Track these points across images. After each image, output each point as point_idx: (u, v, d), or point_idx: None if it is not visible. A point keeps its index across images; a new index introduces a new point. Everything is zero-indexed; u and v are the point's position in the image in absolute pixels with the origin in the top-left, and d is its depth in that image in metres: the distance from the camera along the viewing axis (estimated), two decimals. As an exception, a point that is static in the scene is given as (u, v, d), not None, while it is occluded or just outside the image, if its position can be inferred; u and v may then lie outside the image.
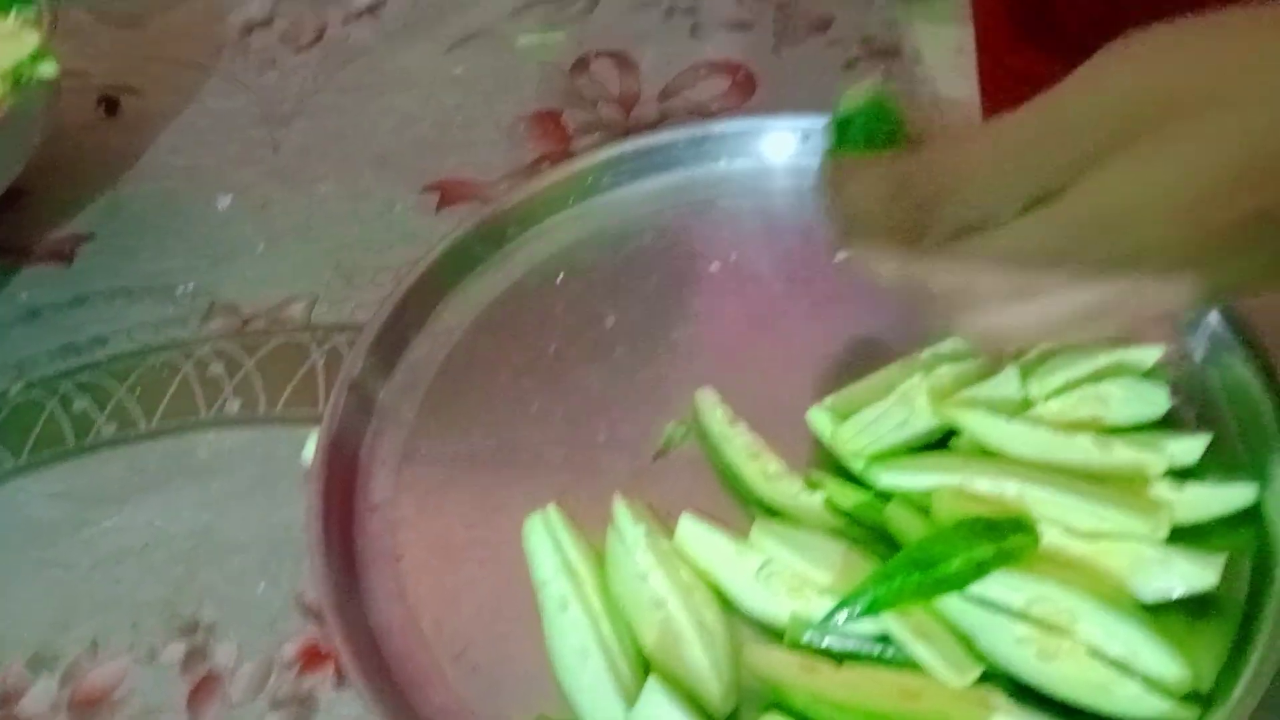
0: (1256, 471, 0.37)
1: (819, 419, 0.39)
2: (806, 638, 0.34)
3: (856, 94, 0.38)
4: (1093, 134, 0.28)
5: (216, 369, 0.49)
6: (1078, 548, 0.34)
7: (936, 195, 0.30)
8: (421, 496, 0.42)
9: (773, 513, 0.38)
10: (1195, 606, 0.35)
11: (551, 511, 0.39)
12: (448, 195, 0.56)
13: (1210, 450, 0.37)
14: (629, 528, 0.37)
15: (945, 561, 0.32)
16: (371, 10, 0.71)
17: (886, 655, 0.33)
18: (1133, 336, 0.38)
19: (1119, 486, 0.36)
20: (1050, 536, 0.34)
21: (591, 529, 0.39)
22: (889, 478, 0.36)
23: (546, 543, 0.38)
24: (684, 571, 0.36)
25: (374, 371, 0.45)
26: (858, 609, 0.32)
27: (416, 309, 0.48)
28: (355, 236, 0.55)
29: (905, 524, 0.36)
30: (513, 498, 0.41)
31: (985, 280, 0.30)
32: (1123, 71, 0.29)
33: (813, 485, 0.38)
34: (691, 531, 0.37)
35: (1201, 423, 0.39)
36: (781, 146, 0.52)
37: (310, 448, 0.42)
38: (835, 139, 0.36)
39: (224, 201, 0.58)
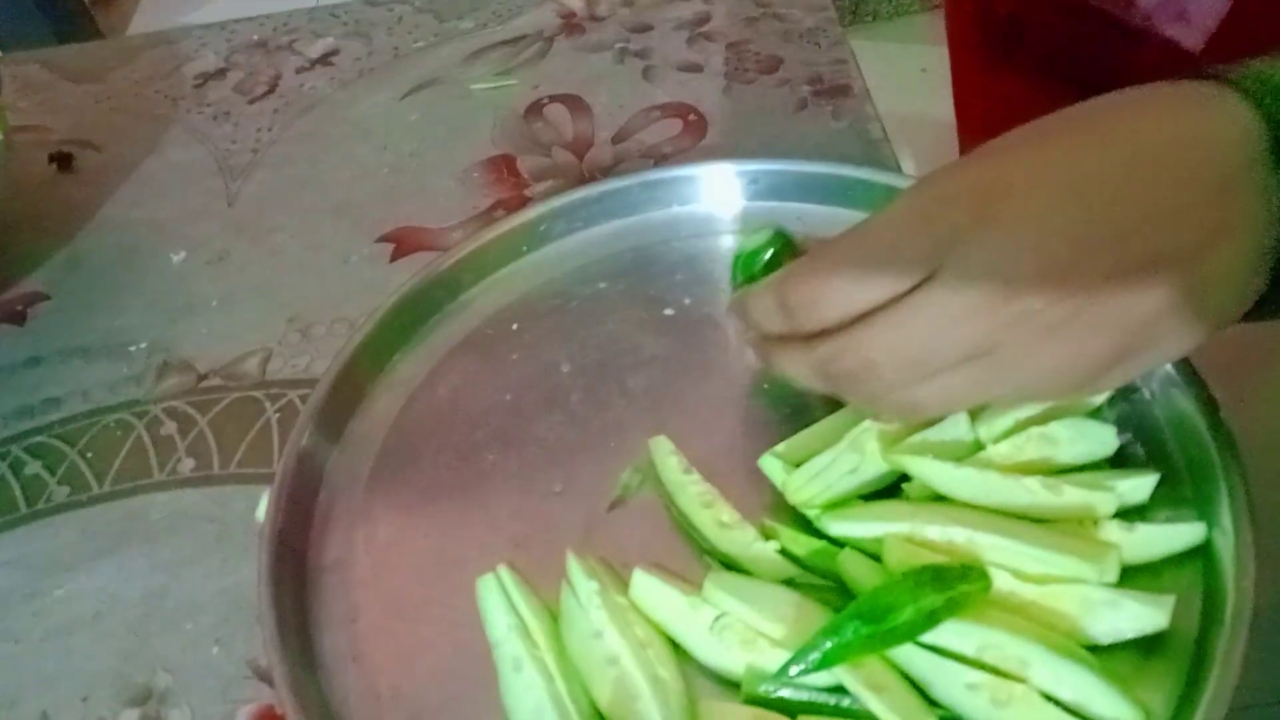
0: (1203, 508, 0.37)
1: (771, 466, 0.39)
2: (761, 690, 0.34)
3: (758, 233, 0.47)
4: (946, 219, 0.31)
5: (170, 428, 0.49)
6: (1028, 592, 0.34)
7: (812, 300, 0.33)
8: (377, 555, 0.42)
9: (727, 563, 0.38)
10: (1146, 645, 0.35)
11: (503, 572, 0.38)
12: (403, 245, 0.56)
13: (1159, 486, 0.37)
14: (582, 584, 0.37)
15: (895, 612, 0.32)
16: (325, 59, 0.71)
17: (843, 706, 0.33)
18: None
19: (1068, 530, 0.36)
20: (1000, 581, 0.35)
21: (547, 584, 0.39)
22: (840, 527, 0.37)
23: (499, 603, 0.37)
24: (639, 627, 0.36)
25: (326, 428, 0.45)
26: (810, 663, 0.32)
27: (370, 362, 0.48)
28: (311, 289, 0.54)
29: (858, 572, 0.36)
30: (468, 553, 0.40)
31: (883, 365, 0.32)
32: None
33: (767, 534, 0.38)
34: (645, 586, 0.37)
35: (1150, 459, 0.40)
36: (732, 190, 0.53)
37: (263, 507, 0.42)
38: (740, 272, 0.42)
39: (180, 255, 0.58)
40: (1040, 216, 0.30)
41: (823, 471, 0.38)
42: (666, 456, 0.41)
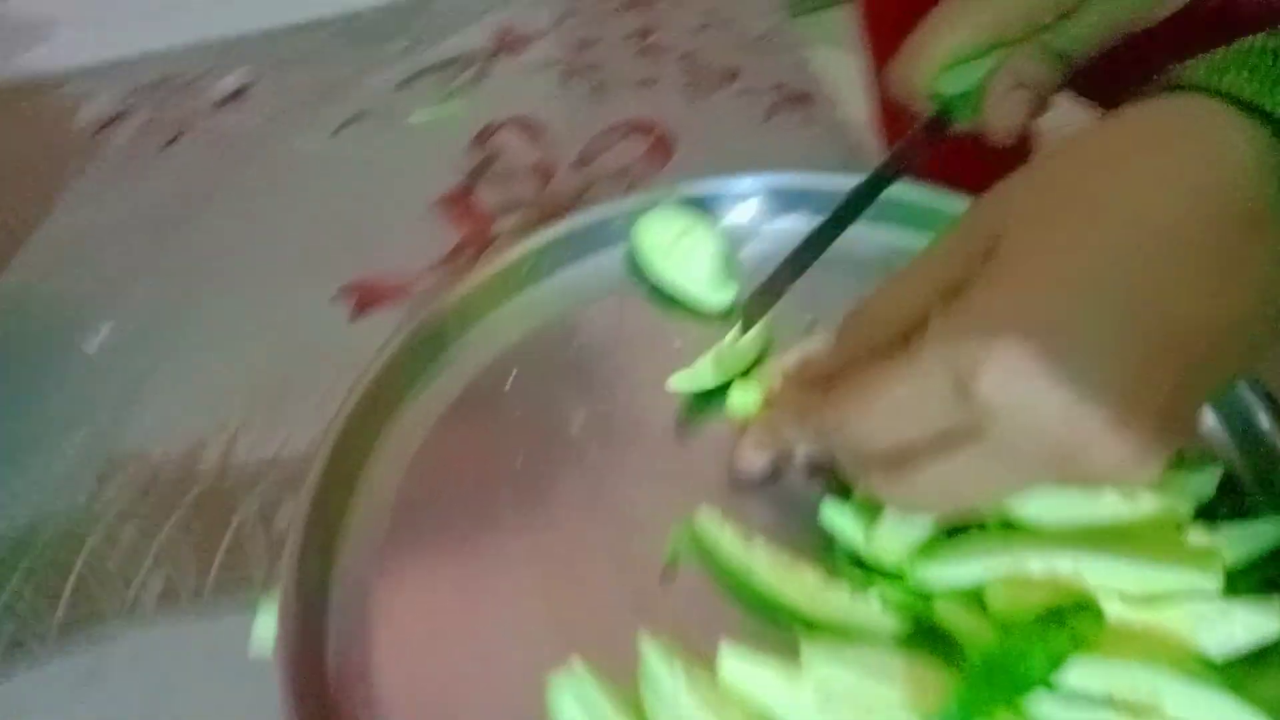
0: (1271, 503, 0.36)
1: (837, 517, 0.36)
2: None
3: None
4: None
5: (128, 537, 0.42)
6: (1138, 615, 0.32)
7: (859, 434, 0.31)
8: (404, 665, 0.37)
9: (816, 628, 0.34)
10: (1252, 655, 0.33)
11: (578, 668, 0.34)
12: (366, 297, 0.51)
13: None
14: (665, 672, 0.33)
15: (1024, 660, 0.30)
16: (238, 96, 0.65)
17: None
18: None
19: (1158, 541, 0.34)
20: (1110, 609, 0.32)
21: (610, 670, 0.34)
22: (937, 574, 0.34)
23: (579, 704, 0.33)
24: (734, 712, 0.32)
25: (325, 522, 0.40)
26: (945, 729, 0.29)
27: (360, 438, 0.42)
28: (268, 355, 0.49)
29: (961, 620, 0.33)
30: (513, 650, 0.36)
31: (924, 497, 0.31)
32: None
33: (860, 588, 0.35)
34: (736, 664, 0.33)
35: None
36: (721, 208, 0.49)
37: (264, 629, 0.36)
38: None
39: (103, 331, 0.51)
40: (1100, 350, 0.27)
41: (903, 524, 0.35)
42: (719, 528, 0.37)
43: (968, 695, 0.29)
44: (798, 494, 0.39)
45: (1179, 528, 0.35)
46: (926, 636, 0.34)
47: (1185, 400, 0.28)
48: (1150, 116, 0.30)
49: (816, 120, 0.56)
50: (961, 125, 0.41)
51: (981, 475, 0.29)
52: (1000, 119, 0.39)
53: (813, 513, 0.38)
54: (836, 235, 0.41)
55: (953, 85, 0.39)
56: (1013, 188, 0.32)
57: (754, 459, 0.38)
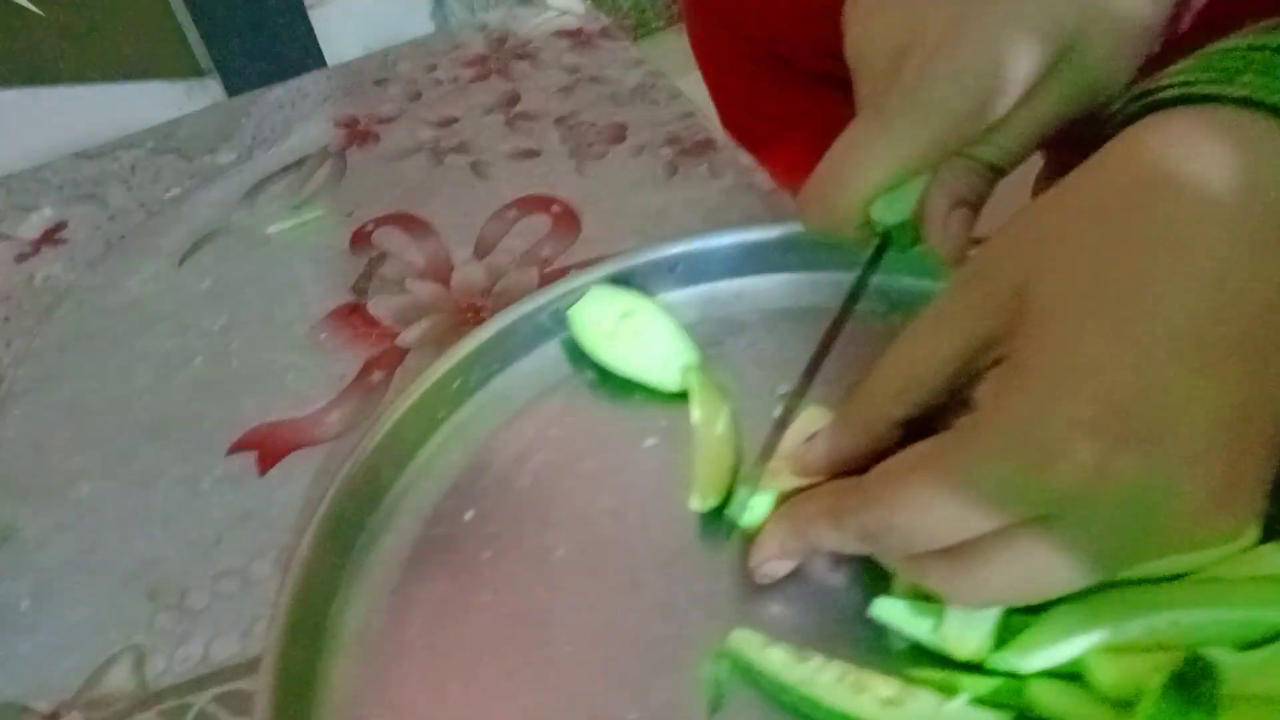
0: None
1: (893, 612, 0.32)
2: None
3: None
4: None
5: (32, 814, 0.33)
6: (1247, 665, 0.30)
7: (903, 533, 0.28)
8: None
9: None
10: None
11: None
12: (268, 449, 0.43)
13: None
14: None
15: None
16: (50, 237, 0.56)
17: None
18: None
19: (1235, 575, 0.32)
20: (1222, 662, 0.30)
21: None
22: (1032, 661, 0.30)
23: None
24: None
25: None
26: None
27: (309, 625, 0.35)
28: (162, 544, 0.40)
29: (1061, 701, 0.30)
30: None
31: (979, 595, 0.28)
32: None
33: (945, 690, 0.31)
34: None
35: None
36: (655, 279, 0.45)
37: None
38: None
39: (-63, 552, 0.41)
40: (1191, 415, 0.24)
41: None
42: (763, 650, 0.33)
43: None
44: (823, 591, 0.35)
45: (1246, 552, 0.33)
46: (1023, 725, 0.30)
47: (1275, 450, 0.26)
48: (1169, 138, 0.27)
49: (722, 169, 0.53)
50: (903, 249, 0.37)
51: (1059, 562, 0.26)
52: (947, 243, 0.35)
53: (846, 608, 0.34)
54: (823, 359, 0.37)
55: (886, 216, 0.36)
56: (1028, 226, 0.29)
57: (778, 566, 0.34)
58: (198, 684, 0.36)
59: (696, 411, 0.40)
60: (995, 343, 0.29)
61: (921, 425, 0.32)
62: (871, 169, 0.34)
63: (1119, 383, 0.24)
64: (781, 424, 0.36)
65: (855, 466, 0.32)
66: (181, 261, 0.53)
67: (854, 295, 0.37)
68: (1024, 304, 0.27)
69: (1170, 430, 0.24)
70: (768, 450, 0.35)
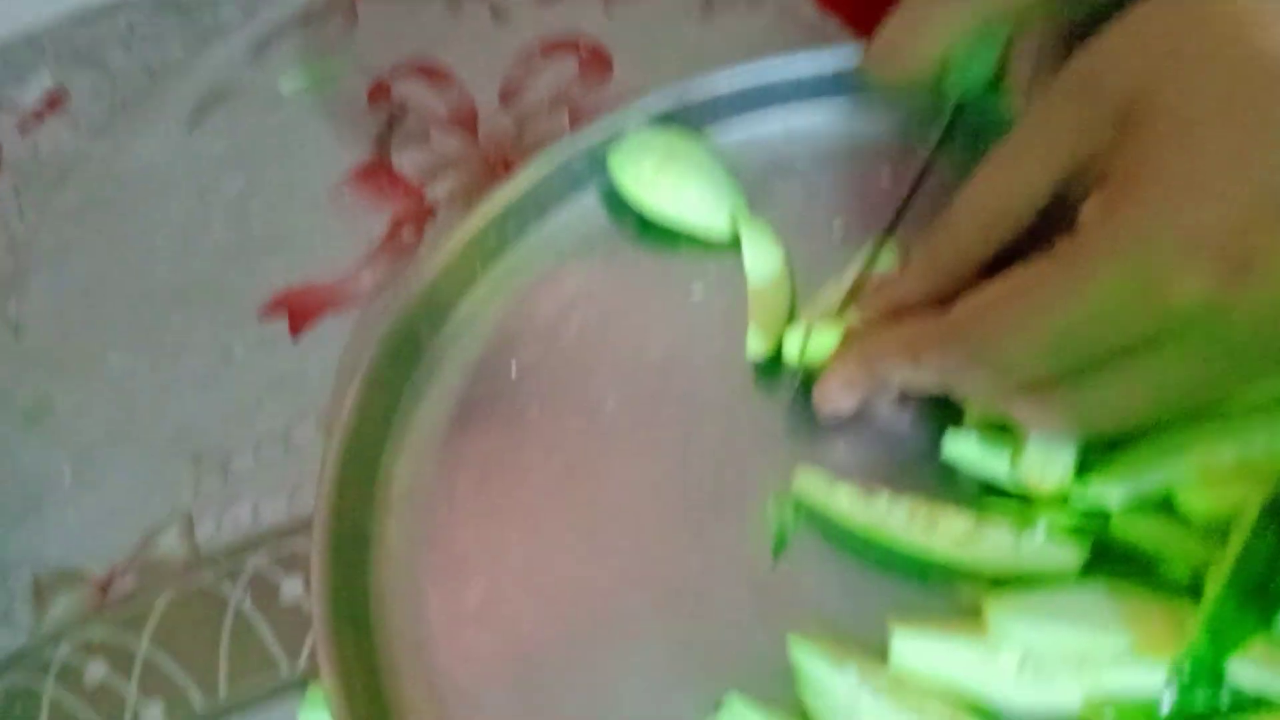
0: None
1: (966, 448, 0.31)
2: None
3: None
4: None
5: (96, 674, 0.33)
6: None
7: (1020, 359, 0.26)
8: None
9: (976, 580, 0.29)
10: None
11: (735, 703, 0.28)
12: (300, 313, 0.42)
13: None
14: (834, 678, 0.27)
15: (1274, 571, 0.25)
16: (52, 106, 0.53)
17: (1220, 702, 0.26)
18: None
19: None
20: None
21: (747, 681, 0.29)
22: (1117, 490, 0.29)
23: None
24: (931, 706, 0.27)
25: (346, 590, 0.32)
26: (1198, 668, 0.25)
27: (358, 487, 0.34)
28: (201, 410, 0.39)
29: (1147, 531, 0.29)
30: (617, 670, 0.30)
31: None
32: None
33: (1023, 524, 0.29)
34: (912, 649, 0.28)
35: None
36: (697, 118, 0.42)
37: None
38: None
39: (-27, 426, 0.40)
40: None
41: (1051, 440, 0.30)
42: (829, 491, 0.31)
43: (1219, 627, 0.25)
44: (889, 430, 0.34)
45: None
46: (1111, 562, 0.29)
47: None
48: None
49: (762, 3, 0.49)
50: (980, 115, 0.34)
51: (1163, 386, 0.25)
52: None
53: (914, 448, 0.33)
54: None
55: (964, 74, 0.33)
56: (1134, 37, 0.26)
57: (843, 401, 0.32)
58: (249, 545, 0.35)
59: (749, 255, 0.38)
60: (1096, 161, 0.26)
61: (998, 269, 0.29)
62: (950, 17, 0.31)
63: (1246, 199, 0.22)
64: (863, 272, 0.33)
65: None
66: (192, 125, 0.50)
67: (926, 169, 0.34)
68: (1135, 117, 0.25)
69: None
70: (851, 296, 0.33)
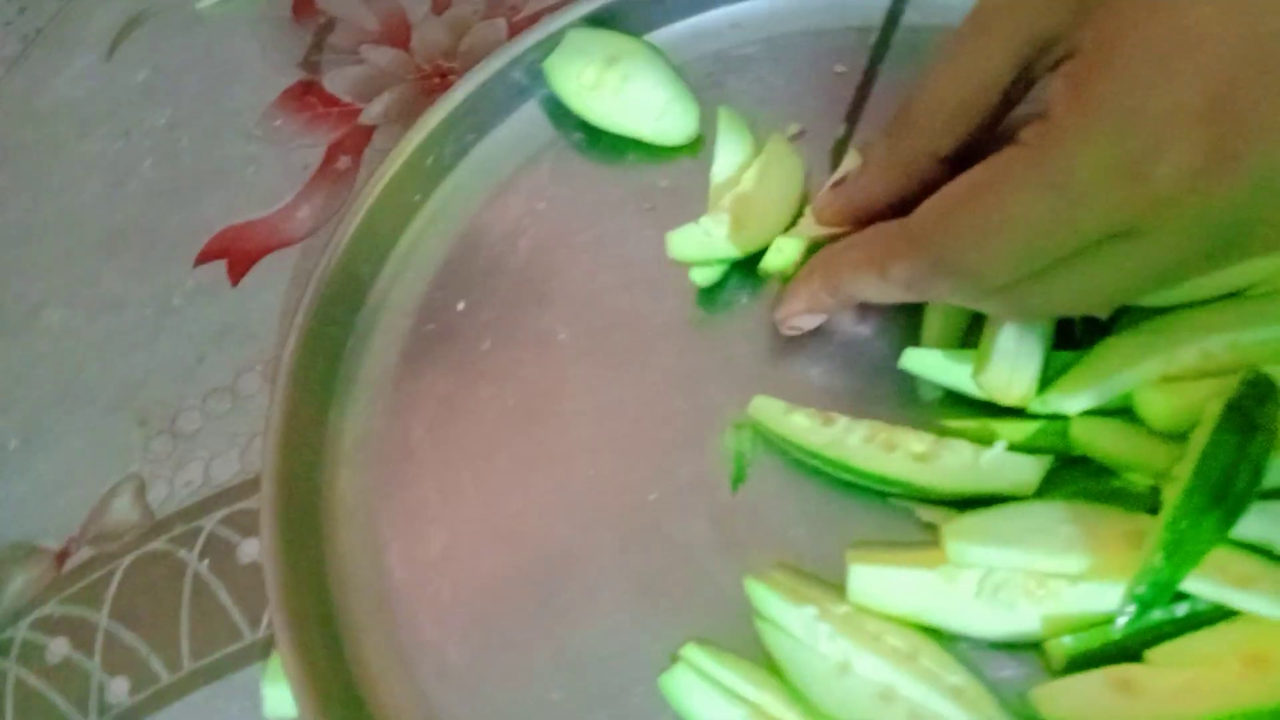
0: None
1: (926, 362, 0.29)
2: (1069, 642, 0.26)
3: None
4: None
5: (59, 648, 0.33)
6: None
7: (988, 267, 0.24)
8: (456, 681, 0.30)
9: (940, 502, 0.28)
10: None
11: (693, 652, 0.27)
12: (238, 256, 0.40)
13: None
14: (791, 614, 0.27)
15: (1234, 477, 0.24)
16: (-35, 37, 0.50)
17: (1198, 614, 0.25)
18: None
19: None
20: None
21: (708, 624, 0.28)
22: (1083, 398, 0.27)
23: (708, 693, 0.27)
24: (890, 635, 0.27)
25: (300, 548, 0.31)
26: (1159, 583, 0.24)
27: (307, 433, 0.33)
28: (143, 368, 0.38)
29: (1107, 438, 0.27)
30: (565, 615, 0.29)
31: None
32: None
33: (982, 439, 0.28)
34: (868, 579, 0.27)
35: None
36: (640, 15, 0.39)
37: (274, 699, 0.29)
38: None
39: (-85, 396, 0.39)
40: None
41: (1018, 350, 0.28)
42: (785, 416, 0.30)
43: (1177, 539, 0.24)
44: (848, 345, 0.32)
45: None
46: (1072, 479, 0.28)
47: None
48: None
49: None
50: None
51: (1138, 273, 0.23)
52: None
53: (875, 361, 0.31)
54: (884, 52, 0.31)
55: None
56: None
57: (807, 323, 0.31)
58: (203, 507, 0.34)
59: (718, 162, 0.35)
60: (1057, 40, 0.24)
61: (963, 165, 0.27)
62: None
63: (1229, 64, 0.20)
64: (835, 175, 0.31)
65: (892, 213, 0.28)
66: (110, 52, 0.47)
67: (884, 40, 0.31)
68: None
69: (1266, 135, 0.20)
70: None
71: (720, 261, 0.33)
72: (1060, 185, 0.21)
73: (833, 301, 0.29)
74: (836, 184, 0.30)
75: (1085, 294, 0.24)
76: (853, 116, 0.32)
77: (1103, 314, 0.28)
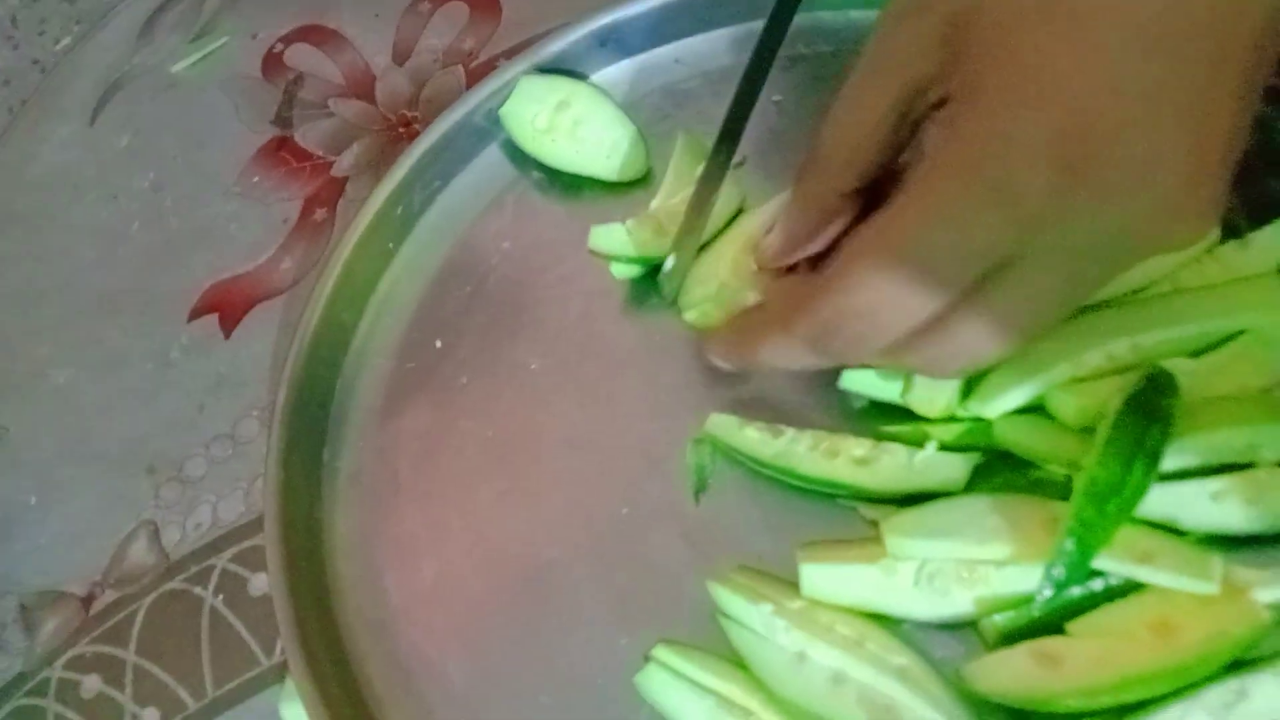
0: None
1: (861, 380, 0.32)
2: (999, 620, 0.29)
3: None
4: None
5: (91, 685, 0.36)
6: (1203, 372, 0.30)
7: (870, 319, 0.26)
8: (465, 690, 0.33)
9: (878, 501, 0.31)
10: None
11: (662, 653, 0.30)
12: (228, 310, 0.42)
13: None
14: (749, 612, 0.30)
15: (1131, 467, 0.27)
16: (-49, 112, 0.52)
17: (1111, 588, 0.28)
18: None
19: (1196, 281, 0.31)
20: (1177, 372, 0.30)
21: (680, 623, 0.31)
22: (1001, 404, 0.30)
23: (680, 689, 0.30)
24: (840, 625, 0.30)
25: (306, 581, 0.34)
26: (1071, 565, 0.27)
27: (301, 476, 0.36)
28: (148, 420, 0.41)
29: (1026, 435, 0.30)
30: (550, 627, 0.32)
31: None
32: None
33: (913, 441, 0.31)
34: (817, 576, 0.30)
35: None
36: (589, 60, 0.42)
37: (291, 715, 0.32)
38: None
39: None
40: (1148, 156, 0.22)
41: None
42: (739, 430, 0.33)
43: (1083, 531, 0.27)
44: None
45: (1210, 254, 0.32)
46: (997, 472, 0.31)
47: (1235, 146, 0.24)
48: None
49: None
50: None
51: (1035, 300, 0.25)
52: None
53: (817, 379, 0.34)
54: (768, 65, 0.34)
55: None
56: None
57: (728, 368, 0.33)
58: (214, 547, 0.37)
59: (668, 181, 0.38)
60: (934, 83, 0.26)
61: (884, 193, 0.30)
62: None
63: (1066, 104, 0.22)
64: (701, 197, 0.34)
65: (818, 250, 0.31)
66: (93, 119, 0.50)
67: (772, 37, 0.34)
68: (964, 31, 0.25)
69: (1140, 129, 0.22)
70: (689, 225, 0.34)
71: (635, 261, 0.36)
72: (944, 216, 0.23)
73: (745, 363, 0.31)
74: (769, 230, 0.32)
75: (985, 337, 0.25)
76: (728, 135, 0.34)
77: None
